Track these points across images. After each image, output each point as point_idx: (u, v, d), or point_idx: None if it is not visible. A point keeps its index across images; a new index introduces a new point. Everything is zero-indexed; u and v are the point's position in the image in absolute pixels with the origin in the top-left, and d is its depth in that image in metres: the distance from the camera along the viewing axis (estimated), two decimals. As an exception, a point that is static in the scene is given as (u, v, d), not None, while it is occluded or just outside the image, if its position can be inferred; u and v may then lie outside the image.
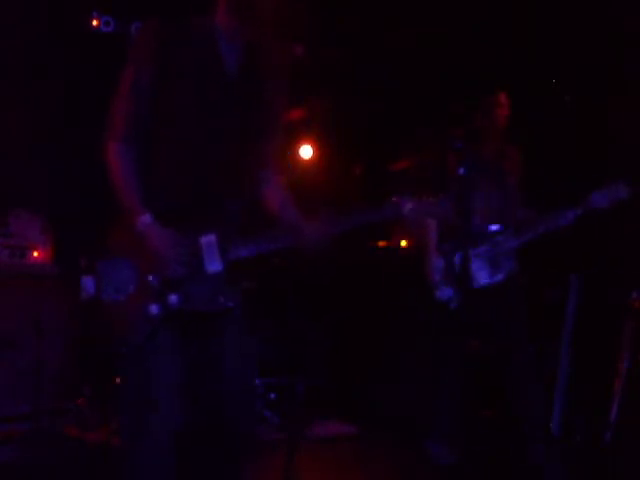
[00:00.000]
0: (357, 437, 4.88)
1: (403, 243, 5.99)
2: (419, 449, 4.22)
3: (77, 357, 4.49)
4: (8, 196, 4.49)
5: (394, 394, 5.40)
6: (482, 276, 3.84)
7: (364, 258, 6.06)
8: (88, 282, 2.24)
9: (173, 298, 2.21)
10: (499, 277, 3.85)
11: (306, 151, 6.33)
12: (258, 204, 2.53)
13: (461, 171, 3.75)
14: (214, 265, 2.25)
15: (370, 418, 5.15)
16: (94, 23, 5.03)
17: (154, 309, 2.20)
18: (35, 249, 4.48)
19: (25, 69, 4.84)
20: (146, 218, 2.23)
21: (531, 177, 4.35)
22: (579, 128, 4.31)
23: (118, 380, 4.40)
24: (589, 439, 4.17)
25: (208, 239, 2.26)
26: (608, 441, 4.01)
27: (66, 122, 4.91)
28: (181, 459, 2.37)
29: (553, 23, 4.77)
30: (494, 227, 3.94)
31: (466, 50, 5.16)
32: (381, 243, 6.11)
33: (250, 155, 2.43)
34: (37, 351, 4.22)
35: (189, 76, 2.29)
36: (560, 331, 4.54)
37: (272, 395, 5.34)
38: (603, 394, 4.12)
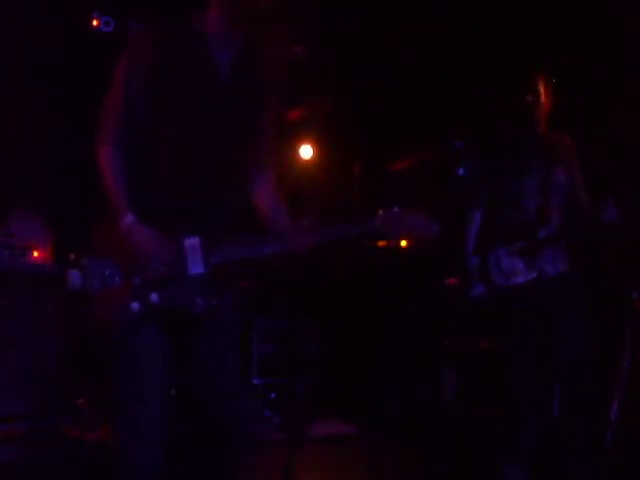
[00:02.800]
0: (357, 437, 4.88)
1: (403, 243, 6.00)
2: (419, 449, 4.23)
3: (77, 357, 4.48)
4: (8, 196, 4.49)
5: (394, 394, 5.40)
6: (517, 274, 3.67)
7: (364, 258, 6.06)
8: (74, 275, 2.26)
9: (154, 296, 2.23)
10: (532, 275, 3.65)
11: (306, 151, 6.33)
12: (250, 205, 2.54)
13: (460, 171, 3.72)
14: (196, 268, 2.27)
15: (370, 418, 5.15)
16: (94, 23, 5.03)
17: (135, 306, 2.23)
18: (35, 249, 4.48)
19: (25, 69, 4.84)
20: (129, 218, 2.25)
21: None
22: (579, 128, 4.30)
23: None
24: (589, 439, 4.16)
25: (192, 241, 2.28)
26: (608, 441, 4.01)
27: (66, 122, 4.91)
28: (177, 459, 2.38)
29: (553, 23, 4.77)
30: (533, 223, 3.69)
31: (466, 50, 5.16)
32: (381, 243, 6.12)
33: (243, 156, 2.43)
34: (37, 351, 4.22)
35: (185, 79, 2.30)
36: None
37: (272, 395, 5.35)
38: (603, 394, 4.11)
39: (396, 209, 2.32)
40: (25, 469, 3.73)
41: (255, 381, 5.36)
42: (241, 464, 2.47)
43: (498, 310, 3.76)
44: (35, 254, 4.48)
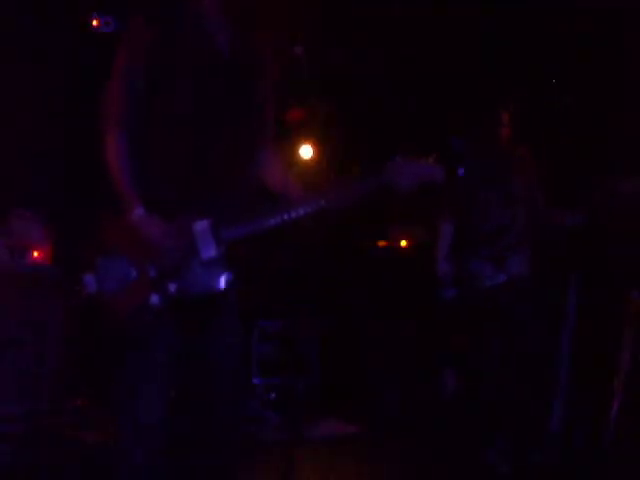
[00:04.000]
0: (357, 437, 4.87)
1: (403, 243, 6.00)
2: (421, 448, 4.24)
3: (77, 357, 4.48)
4: (8, 196, 4.49)
5: (394, 394, 5.40)
6: (485, 277, 3.97)
7: (364, 258, 6.06)
8: (89, 279, 2.25)
9: (172, 286, 2.22)
10: (501, 278, 3.96)
11: (306, 151, 6.33)
12: (258, 186, 2.52)
13: (461, 172, 3.76)
14: (209, 251, 2.26)
15: (370, 418, 5.15)
16: (94, 23, 5.03)
17: (155, 299, 2.21)
18: (35, 249, 4.48)
19: (25, 69, 4.84)
20: (139, 210, 2.23)
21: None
22: (579, 129, 4.31)
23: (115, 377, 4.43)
24: (589, 439, 4.17)
25: (201, 225, 2.26)
26: (608, 441, 4.01)
27: (66, 122, 4.91)
28: (176, 459, 2.37)
29: (553, 23, 4.77)
30: (500, 229, 4.03)
31: (467, 51, 5.17)
32: (381, 243, 6.11)
33: (246, 137, 2.42)
34: (37, 351, 4.22)
35: (185, 59, 2.29)
36: (560, 331, 4.54)
37: (272, 395, 5.34)
38: (603, 394, 4.11)
39: (399, 158, 2.31)
40: (25, 469, 3.72)
41: (255, 381, 5.35)
42: (240, 464, 2.47)
43: (469, 311, 4.07)
44: (35, 254, 4.48)
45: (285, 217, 2.29)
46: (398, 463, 4.26)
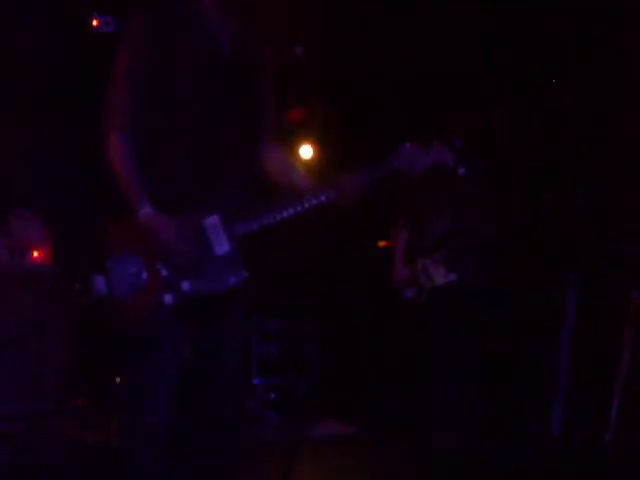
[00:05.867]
0: (357, 437, 4.87)
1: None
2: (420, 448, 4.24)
3: (77, 357, 4.48)
4: (8, 196, 4.49)
5: (394, 394, 5.40)
6: (439, 278, 4.09)
7: (365, 258, 6.06)
8: (99, 280, 2.22)
9: (185, 285, 2.19)
10: (451, 277, 4.08)
11: (306, 151, 6.33)
12: (261, 179, 2.51)
13: (461, 171, 3.78)
14: (222, 246, 2.23)
15: (370, 418, 5.15)
16: (94, 23, 5.03)
17: (168, 299, 2.18)
18: (35, 249, 4.48)
19: (25, 69, 4.84)
20: (147, 209, 2.22)
21: (531, 178, 4.36)
22: (579, 129, 4.31)
23: (118, 380, 4.44)
24: (589, 439, 4.17)
25: (212, 220, 2.24)
26: (608, 441, 4.01)
27: (66, 122, 4.91)
28: (177, 459, 2.37)
29: (553, 23, 4.77)
30: (450, 234, 4.12)
31: (467, 51, 5.16)
32: (381, 243, 6.11)
33: (247, 132, 2.42)
34: (37, 351, 4.22)
35: (185, 59, 2.30)
36: (560, 331, 4.54)
37: (272, 395, 5.34)
38: (603, 394, 4.11)
39: (408, 144, 2.33)
40: (25, 469, 3.72)
41: (255, 381, 5.36)
42: (240, 464, 2.46)
43: (425, 309, 4.14)
44: (35, 254, 4.48)
45: (298, 208, 2.28)
46: (398, 463, 4.26)
